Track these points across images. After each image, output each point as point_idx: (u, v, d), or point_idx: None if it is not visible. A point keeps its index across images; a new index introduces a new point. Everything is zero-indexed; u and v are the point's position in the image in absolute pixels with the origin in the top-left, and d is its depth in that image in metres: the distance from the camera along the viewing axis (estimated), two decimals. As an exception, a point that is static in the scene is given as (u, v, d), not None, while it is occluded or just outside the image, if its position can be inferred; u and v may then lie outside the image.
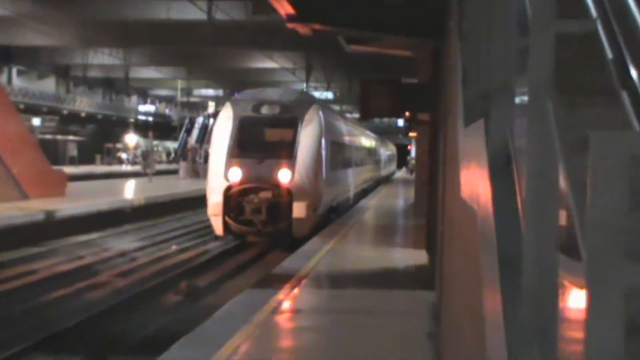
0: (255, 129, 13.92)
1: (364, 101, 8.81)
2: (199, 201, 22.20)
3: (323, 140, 14.24)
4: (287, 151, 13.66)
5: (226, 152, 13.49)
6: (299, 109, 14.14)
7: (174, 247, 13.81)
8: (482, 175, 2.40)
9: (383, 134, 52.07)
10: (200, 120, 49.99)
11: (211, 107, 65.21)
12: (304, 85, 39.42)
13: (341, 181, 17.25)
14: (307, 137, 13.82)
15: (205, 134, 48.96)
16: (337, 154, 16.46)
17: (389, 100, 8.62)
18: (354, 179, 19.56)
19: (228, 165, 13.35)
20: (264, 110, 14.14)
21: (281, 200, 13.24)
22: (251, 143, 13.73)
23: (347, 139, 18.76)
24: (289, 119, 13.99)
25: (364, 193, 22.81)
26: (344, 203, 17.69)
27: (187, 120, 50.89)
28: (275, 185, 13.27)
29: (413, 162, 36.56)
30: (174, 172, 34.30)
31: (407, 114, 12.48)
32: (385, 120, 59.56)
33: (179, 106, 57.14)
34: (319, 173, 13.95)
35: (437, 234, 6.90)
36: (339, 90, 46.35)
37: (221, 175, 13.32)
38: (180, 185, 25.72)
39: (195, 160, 32.75)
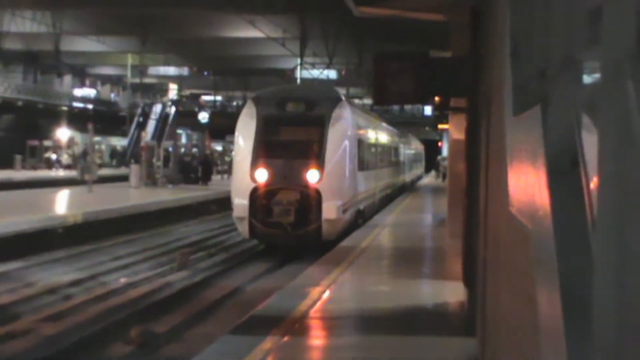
0: (281, 127, 17.22)
1: (379, 82, 8.82)
2: (157, 218, 22.40)
3: (352, 139, 17.62)
4: (314, 150, 16.92)
5: (251, 152, 16.73)
6: (325, 106, 17.31)
7: (122, 281, 13.82)
8: (538, 181, 2.40)
9: (405, 126, 52.34)
10: (158, 108, 50.20)
11: (173, 90, 65.46)
12: (298, 61, 39.60)
13: (368, 183, 20.65)
14: (335, 135, 17.03)
15: (165, 127, 49.28)
16: (365, 154, 20.00)
17: (412, 80, 8.65)
18: (377, 181, 23.02)
19: (254, 166, 16.62)
20: (289, 108, 17.41)
21: (310, 201, 16.44)
22: (277, 142, 17.10)
23: (374, 137, 22.53)
24: (316, 117, 17.18)
25: (380, 204, 24.22)
26: (370, 207, 20.98)
27: (140, 109, 50.97)
28: (304, 186, 16.49)
29: (445, 163, 36.63)
30: (123, 178, 34.34)
31: (436, 99, 12.55)
32: (408, 107, 59.87)
33: (130, 90, 57.23)
34: (349, 173, 17.29)
35: (477, 262, 6.89)
36: (344, 67, 46.54)
37: (247, 176, 16.60)
38: (131, 197, 25.77)
39: (151, 163, 32.82)
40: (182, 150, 51.93)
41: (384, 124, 28.99)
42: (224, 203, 28.53)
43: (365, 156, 20.38)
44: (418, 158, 51.62)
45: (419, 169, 53.54)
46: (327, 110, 17.40)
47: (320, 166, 16.72)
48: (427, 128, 70.03)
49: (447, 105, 12.87)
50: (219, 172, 42.22)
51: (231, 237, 20.34)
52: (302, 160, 16.81)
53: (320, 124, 17.23)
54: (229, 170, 44.15)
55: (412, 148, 45.19)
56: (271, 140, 17.15)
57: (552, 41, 2.44)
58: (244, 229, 16.65)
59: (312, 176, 16.68)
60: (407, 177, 38.44)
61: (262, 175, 16.66)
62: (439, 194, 29.91)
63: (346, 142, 17.39)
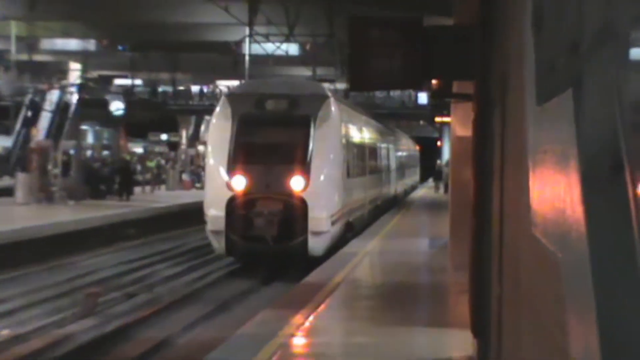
0: (260, 128, 19.86)
1: (356, 59, 8.87)
2: (52, 246, 22.14)
3: (341, 142, 20.50)
4: (299, 154, 19.48)
5: (227, 156, 19.28)
6: (310, 104, 20.04)
7: (3, 333, 13.72)
8: (569, 192, 2.43)
9: (392, 119, 52.54)
10: (54, 96, 49.73)
11: (75, 71, 65.09)
12: (246, 31, 39.59)
13: (358, 191, 23.82)
14: (323, 137, 19.70)
15: (65, 121, 48.88)
16: (355, 158, 23.16)
17: (401, 57, 8.71)
18: (367, 190, 26.22)
19: (230, 173, 19.19)
20: (269, 105, 20.16)
21: (295, 211, 19.03)
22: (256, 145, 19.79)
23: (364, 139, 26.13)
24: (300, 117, 19.85)
25: (370, 217, 26.45)
26: (360, 219, 24.04)
27: (29, 97, 50.44)
28: (287, 195, 19.08)
29: (446, 170, 36.86)
30: (6, 192, 33.93)
31: (433, 83, 12.66)
32: (396, 94, 60.23)
33: (14, 70, 56.62)
34: (338, 179, 20.08)
35: (490, 302, 6.93)
36: (309, 40, 46.73)
37: (222, 184, 19.17)
38: (15, 217, 25.51)
39: (45, 171, 32.53)
40: (89, 153, 51.47)
41: (375, 122, 31.63)
42: (148, 225, 28.45)
43: (356, 161, 23.31)
44: (412, 162, 52.35)
45: (413, 177, 53.99)
46: (313, 109, 19.88)
47: (306, 172, 19.20)
48: (421, 122, 70.46)
49: (449, 92, 12.95)
50: (139, 184, 42.01)
51: (157, 271, 20.22)
52: (285, 166, 19.30)
53: (305, 125, 19.64)
54: (155, 180, 44.03)
55: (403, 149, 45.93)
56: (250, 143, 19.64)
57: (588, 6, 2.47)
58: (219, 244, 19.15)
59: (296, 183, 19.12)
60: (397, 187, 39.53)
61: (240, 182, 19.14)
62: (439, 210, 30.03)
63: (335, 145, 20.04)
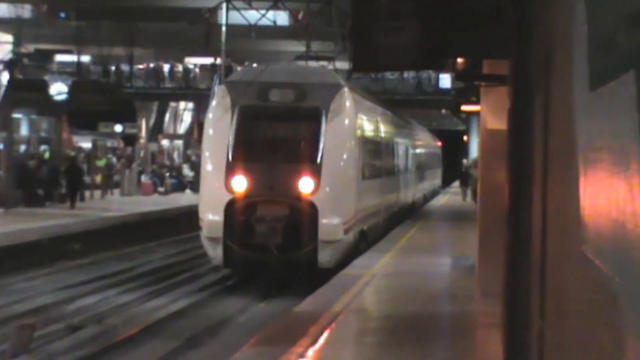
0: (264, 122, 21.81)
1: (361, 33, 8.87)
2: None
3: (355, 138, 22.21)
4: (308, 152, 21.10)
5: (226, 154, 20.88)
6: (321, 95, 21.73)
7: None
8: (631, 200, 2.42)
9: (406, 107, 52.43)
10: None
11: (5, 44, 65.07)
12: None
13: (374, 196, 25.67)
14: (335, 133, 21.35)
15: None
16: (371, 158, 25.26)
17: (416, 29, 8.70)
18: (384, 194, 28.43)
19: (230, 172, 20.72)
20: (274, 96, 21.90)
21: (302, 217, 20.58)
22: (259, 142, 21.80)
23: (382, 134, 28.60)
24: (309, 109, 21.51)
25: (385, 226, 28.25)
26: (374, 228, 25.70)
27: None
28: (295, 198, 20.65)
29: (474, 172, 36.88)
30: None
31: (458, 62, 12.66)
32: (410, 75, 60.22)
33: None
34: (352, 181, 21.77)
35: (528, 338, 6.92)
36: (301, 7, 46.85)
37: (220, 185, 20.75)
38: None
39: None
40: (23, 148, 51.35)
41: (392, 115, 33.89)
42: (98, 240, 28.41)
43: (371, 161, 25.24)
44: (432, 162, 52.91)
45: (434, 180, 54.40)
46: (324, 100, 21.52)
47: (316, 173, 20.73)
48: (443, 111, 70.47)
49: (478, 73, 12.95)
50: (87, 187, 41.94)
51: (109, 298, 20.20)
52: (293, 165, 20.93)
53: (316, 118, 21.21)
54: (106, 183, 43.90)
55: (422, 146, 46.68)
56: (252, 139, 21.48)
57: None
58: (216, 253, 20.71)
59: (305, 185, 20.65)
60: (417, 191, 40.94)
61: (240, 183, 20.66)
62: (465, 222, 30.03)
63: (349, 142, 21.72)
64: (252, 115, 21.47)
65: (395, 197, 32.65)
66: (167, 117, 72.23)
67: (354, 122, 22.26)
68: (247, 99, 21.65)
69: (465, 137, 62.66)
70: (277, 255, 20.39)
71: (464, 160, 51.75)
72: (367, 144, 24.55)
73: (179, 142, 68.17)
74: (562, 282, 4.60)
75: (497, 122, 13.83)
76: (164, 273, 23.96)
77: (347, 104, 22.07)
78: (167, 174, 50.30)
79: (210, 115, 22.51)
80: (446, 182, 62.84)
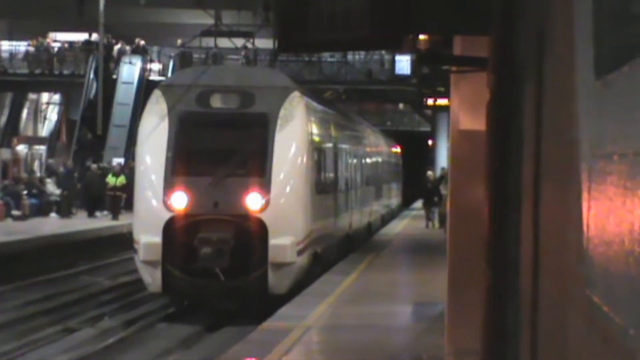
0: (205, 131, 24.93)
1: (290, 2, 8.92)
2: None
3: (309, 148, 25.32)
4: (256, 164, 24.34)
5: (164, 167, 23.83)
6: (269, 99, 25.00)
7: None
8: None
9: (352, 100, 52.27)
10: None
11: None
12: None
13: (328, 213, 29.40)
14: (286, 142, 24.30)
15: None
16: (325, 170, 28.66)
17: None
18: (338, 211, 32.38)
19: (168, 187, 23.74)
20: (216, 102, 25.11)
21: (251, 237, 23.75)
22: (201, 153, 24.91)
23: (336, 143, 32.15)
24: (257, 116, 24.72)
25: (339, 246, 32.00)
26: (329, 250, 29.40)
27: None
28: (242, 215, 23.77)
29: (443, 188, 36.99)
30: None
31: (421, 38, 12.77)
32: (357, 57, 60.27)
33: None
34: (305, 197, 24.92)
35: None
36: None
37: (158, 201, 23.68)
38: None
39: None
40: None
41: (345, 118, 38.12)
42: None
43: (326, 174, 28.52)
44: (391, 175, 54.86)
45: (392, 198, 56.15)
46: (273, 105, 24.67)
47: (265, 187, 23.73)
48: (401, 106, 70.47)
49: (446, 55, 13.04)
50: None
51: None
52: (238, 179, 24.00)
53: (263, 126, 24.33)
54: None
55: (379, 154, 49.06)
56: (192, 150, 24.59)
57: None
58: (154, 279, 23.34)
59: (253, 201, 23.66)
60: (373, 212, 43.84)
61: (180, 200, 23.68)
62: (431, 255, 30.04)
63: (301, 153, 24.56)
64: (191, 123, 24.65)
65: (350, 216, 35.98)
66: (24, 113, 71.64)
67: (306, 130, 25.16)
68: (185, 105, 24.53)
69: (430, 141, 62.87)
70: (223, 281, 23.23)
71: (429, 172, 51.69)
72: (321, 155, 27.62)
73: (41, 148, 67.40)
74: (560, 335, 4.64)
75: (472, 120, 13.86)
76: (21, 328, 23.83)
77: (299, 109, 25.06)
78: (25, 192, 49.76)
79: (143, 124, 25.11)
80: (405, 202, 62.92)
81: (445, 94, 22.04)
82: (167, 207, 23.59)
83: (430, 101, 37.39)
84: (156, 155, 24.19)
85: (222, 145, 25.03)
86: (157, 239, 23.32)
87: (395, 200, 57.16)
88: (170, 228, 23.47)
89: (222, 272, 23.07)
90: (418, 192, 57.36)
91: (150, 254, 23.38)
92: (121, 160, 50.99)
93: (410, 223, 51.18)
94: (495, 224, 8.13)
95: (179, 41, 58.47)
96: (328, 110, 33.77)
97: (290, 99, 25.11)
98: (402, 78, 58.14)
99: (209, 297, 24.33)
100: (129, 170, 46.73)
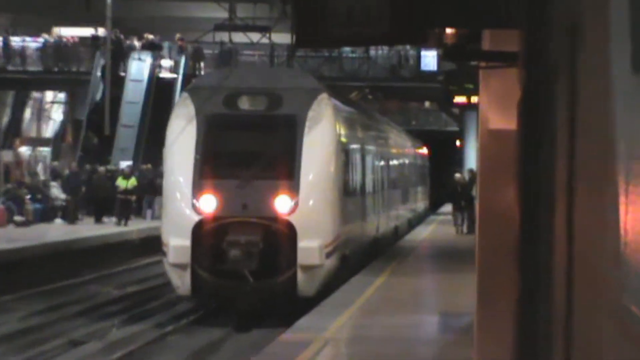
0: (233, 133, 26.45)
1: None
2: None
3: (338, 150, 26.68)
4: (284, 167, 25.50)
5: (192, 170, 25.13)
6: (298, 102, 26.20)
7: None
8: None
9: (376, 99, 52.29)
10: None
11: None
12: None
13: (357, 215, 31.00)
14: (315, 144, 25.54)
15: None
16: (354, 172, 30.25)
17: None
18: (367, 214, 34.25)
19: (197, 191, 25.01)
20: (244, 104, 26.52)
21: (279, 240, 24.88)
22: (229, 156, 26.26)
23: (366, 145, 34.13)
24: (285, 118, 26.07)
25: (369, 248, 34.11)
26: (357, 252, 30.73)
27: None
28: (270, 218, 25.03)
29: (474, 191, 37.00)
30: None
31: (447, 33, 12.78)
32: (381, 53, 60.31)
33: None
34: (334, 199, 26.20)
35: None
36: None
37: (187, 205, 25.06)
38: None
39: None
40: None
41: (373, 119, 40.21)
42: None
43: (354, 175, 30.12)
44: (419, 177, 56.17)
45: (420, 202, 57.36)
46: (301, 108, 25.89)
47: (294, 190, 24.87)
48: (427, 104, 70.49)
49: (475, 50, 13.05)
50: None
51: None
52: (267, 182, 25.18)
53: (292, 128, 25.59)
54: None
55: (406, 155, 50.62)
56: (221, 152, 25.97)
57: None
58: (183, 282, 24.63)
59: (282, 204, 24.81)
60: (400, 215, 45.39)
61: (209, 203, 24.90)
62: (459, 262, 30.07)
63: (330, 155, 25.92)
64: (219, 125, 25.97)
65: (378, 219, 37.78)
66: (27, 113, 71.77)
67: (334, 132, 26.35)
68: (213, 108, 25.82)
69: (458, 141, 62.84)
70: (252, 283, 24.03)
71: (457, 175, 51.49)
72: (348, 157, 28.77)
73: (45, 150, 67.41)
74: (594, 347, 4.63)
75: (502, 119, 13.88)
76: (23, 340, 23.90)
77: (327, 111, 26.24)
78: (28, 197, 49.75)
79: (172, 127, 26.17)
80: (436, 204, 62.95)
81: (473, 91, 22.07)
82: (196, 210, 24.93)
83: (457, 99, 37.36)
84: (184, 158, 25.48)
85: (250, 148, 26.19)
86: (187, 241, 24.67)
87: (421, 204, 57.96)
88: (199, 231, 24.85)
89: (250, 275, 24.08)
90: (445, 196, 57.25)
91: (180, 256, 24.73)
92: (129, 162, 50.99)
93: (438, 228, 51.19)
94: (526, 227, 8.11)
95: (178, 35, 58.29)
96: (355, 111, 35.27)
97: (319, 101, 26.24)
98: (428, 74, 58.10)
99: (238, 300, 24.94)
100: (139, 172, 47.01)
